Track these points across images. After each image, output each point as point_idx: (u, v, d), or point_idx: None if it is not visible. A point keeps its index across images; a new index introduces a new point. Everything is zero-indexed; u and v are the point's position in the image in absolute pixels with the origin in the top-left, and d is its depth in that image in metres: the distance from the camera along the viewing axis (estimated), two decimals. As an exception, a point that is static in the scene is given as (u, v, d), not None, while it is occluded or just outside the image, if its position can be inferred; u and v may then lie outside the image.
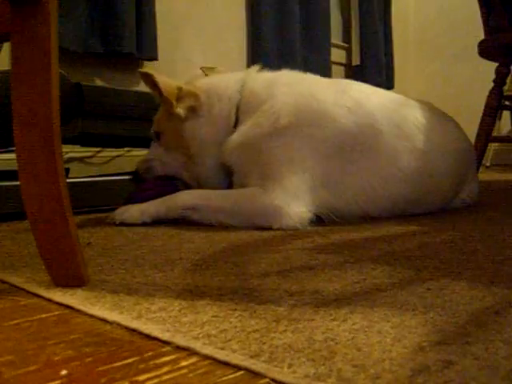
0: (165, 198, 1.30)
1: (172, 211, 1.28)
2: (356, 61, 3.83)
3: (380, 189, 1.33)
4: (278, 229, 1.21)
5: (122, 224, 1.27)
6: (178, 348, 0.51)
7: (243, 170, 1.32)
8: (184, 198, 1.29)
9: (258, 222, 1.23)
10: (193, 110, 1.38)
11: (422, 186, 1.40)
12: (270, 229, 1.21)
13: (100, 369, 0.47)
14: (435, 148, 1.42)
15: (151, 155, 1.47)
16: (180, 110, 1.38)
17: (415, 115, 1.42)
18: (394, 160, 1.34)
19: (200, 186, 1.39)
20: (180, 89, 1.39)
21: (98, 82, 2.45)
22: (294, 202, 1.23)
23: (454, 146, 1.50)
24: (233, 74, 1.49)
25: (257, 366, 0.46)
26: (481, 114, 2.24)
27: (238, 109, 1.37)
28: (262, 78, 1.41)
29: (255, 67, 1.46)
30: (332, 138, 1.29)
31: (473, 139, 2.23)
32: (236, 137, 1.32)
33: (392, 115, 1.37)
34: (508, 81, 2.62)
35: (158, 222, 1.29)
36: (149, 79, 1.39)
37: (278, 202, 1.22)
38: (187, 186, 1.41)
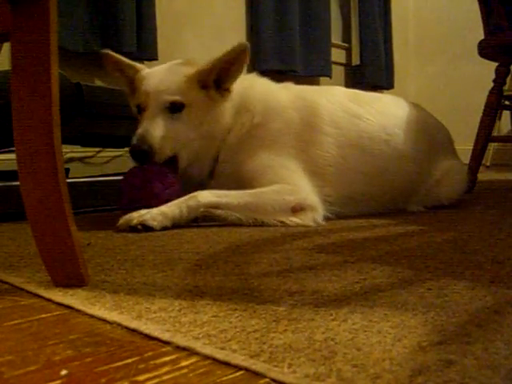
0: (184, 198, 1.25)
1: (195, 211, 1.25)
2: (356, 61, 3.83)
3: (344, 178, 1.42)
4: (305, 225, 1.26)
5: (137, 229, 1.17)
6: (178, 348, 0.51)
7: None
8: (207, 197, 1.26)
9: (283, 218, 1.26)
10: (226, 93, 1.39)
11: (384, 167, 1.48)
12: (287, 226, 1.25)
13: (100, 369, 0.47)
14: (385, 127, 1.51)
15: (163, 131, 1.31)
16: (215, 93, 1.37)
17: (357, 99, 1.55)
18: (344, 149, 1.44)
19: (188, 171, 1.39)
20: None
21: (98, 82, 2.45)
22: (313, 200, 1.32)
23: (411, 125, 1.57)
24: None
25: (257, 365, 0.46)
26: (481, 114, 2.24)
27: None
28: (247, 81, 1.48)
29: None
30: (293, 129, 1.43)
31: (473, 139, 2.23)
32: (233, 134, 1.42)
33: (326, 102, 1.49)
34: (508, 81, 2.62)
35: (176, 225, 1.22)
36: (112, 60, 1.44)
37: (308, 198, 1.30)
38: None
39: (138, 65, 1.47)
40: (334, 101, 1.49)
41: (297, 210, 1.27)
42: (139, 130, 1.31)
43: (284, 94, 1.48)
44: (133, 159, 1.31)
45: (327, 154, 1.41)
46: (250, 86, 1.47)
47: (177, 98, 1.33)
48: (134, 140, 1.29)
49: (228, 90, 1.39)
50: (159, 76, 1.38)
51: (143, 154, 1.28)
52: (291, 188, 1.31)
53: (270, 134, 1.40)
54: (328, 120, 1.44)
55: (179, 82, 1.35)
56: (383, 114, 1.53)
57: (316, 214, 1.29)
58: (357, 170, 1.44)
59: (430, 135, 1.61)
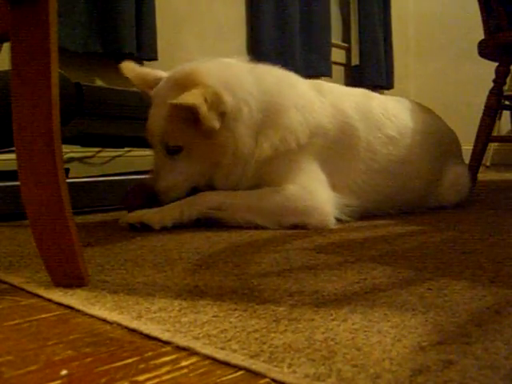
0: (187, 199, 1.24)
1: (196, 212, 1.22)
2: (356, 61, 3.83)
3: (362, 182, 1.39)
4: (310, 227, 1.23)
5: (137, 228, 1.18)
6: (178, 348, 0.51)
7: (270, 177, 1.30)
8: (209, 198, 1.24)
9: (290, 220, 1.24)
10: (221, 116, 1.21)
11: (401, 172, 1.47)
12: (298, 227, 1.22)
13: (100, 369, 0.47)
14: (406, 133, 1.50)
15: (172, 177, 1.26)
16: (215, 123, 1.19)
17: (384, 106, 1.50)
18: (370, 153, 1.42)
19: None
20: (203, 95, 1.17)
21: (98, 82, 2.45)
22: (324, 201, 1.28)
23: (428, 131, 1.57)
24: (233, 63, 1.35)
25: (257, 365, 0.46)
26: (481, 114, 2.24)
27: (261, 111, 1.29)
28: (269, 79, 1.35)
29: (242, 58, 1.38)
30: (326, 144, 1.35)
31: (473, 139, 2.23)
32: (267, 147, 1.28)
33: (361, 109, 1.44)
34: (508, 81, 2.62)
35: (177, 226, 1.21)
36: (132, 70, 1.31)
37: (312, 199, 1.26)
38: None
39: (159, 74, 1.34)
40: (372, 120, 1.44)
41: (304, 213, 1.24)
42: (151, 173, 1.29)
43: (320, 106, 1.36)
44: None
45: (354, 173, 1.39)
46: (278, 92, 1.33)
47: (169, 141, 1.24)
48: (147, 180, 1.29)
49: (223, 113, 1.21)
50: (154, 111, 1.27)
51: (154, 201, 1.26)
52: (300, 191, 1.26)
53: (304, 149, 1.31)
54: (364, 143, 1.40)
55: (165, 124, 1.23)
56: (409, 131, 1.51)
57: (325, 219, 1.25)
58: (379, 191, 1.43)
59: (445, 148, 1.62)
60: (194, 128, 1.20)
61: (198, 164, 1.26)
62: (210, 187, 1.30)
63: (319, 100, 1.38)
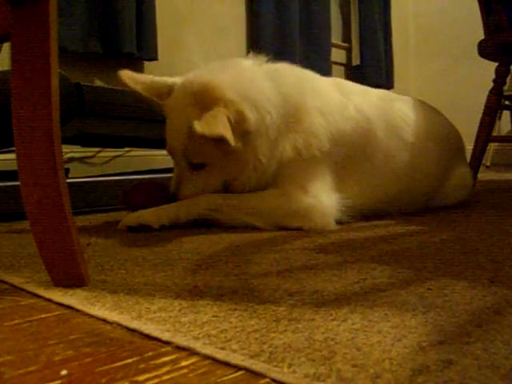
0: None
1: (193, 213, 1.22)
2: (356, 61, 3.83)
3: (373, 186, 1.39)
4: (308, 229, 1.21)
5: (136, 229, 1.18)
6: (178, 348, 0.51)
7: (281, 180, 1.28)
8: (207, 199, 1.23)
9: (289, 222, 1.22)
10: (244, 134, 1.17)
11: (411, 176, 1.48)
12: (298, 229, 1.21)
13: (100, 369, 0.47)
14: (421, 137, 1.50)
15: (194, 189, 1.25)
16: (239, 144, 1.16)
17: (400, 107, 1.50)
18: (386, 159, 1.42)
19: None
20: (228, 118, 1.12)
21: (98, 82, 2.45)
22: (325, 203, 1.25)
23: (437, 132, 1.57)
24: (248, 68, 1.30)
25: (257, 365, 0.46)
26: (481, 114, 2.24)
27: (281, 117, 1.26)
28: (289, 81, 1.32)
29: (259, 57, 1.33)
30: (343, 150, 1.33)
31: (473, 139, 2.23)
32: (289, 149, 1.26)
33: (383, 113, 1.43)
34: (508, 81, 2.62)
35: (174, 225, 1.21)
36: (132, 80, 1.24)
37: (312, 202, 1.24)
38: None
39: (168, 81, 1.27)
40: (393, 125, 1.43)
41: (305, 217, 1.22)
42: (172, 185, 1.27)
43: (343, 110, 1.34)
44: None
45: (366, 177, 1.38)
46: (299, 95, 1.29)
47: (191, 158, 1.23)
48: (171, 189, 1.27)
49: (246, 131, 1.17)
50: (173, 126, 1.24)
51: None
52: (302, 194, 1.24)
53: (325, 156, 1.29)
54: (383, 150, 1.40)
55: (187, 141, 1.20)
56: (424, 137, 1.50)
57: (326, 223, 1.23)
58: (388, 194, 1.42)
59: (453, 152, 1.62)
60: (217, 147, 1.17)
61: (220, 177, 1.26)
62: (226, 190, 1.30)
63: (343, 103, 1.35)
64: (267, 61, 1.34)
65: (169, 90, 1.26)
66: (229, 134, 1.09)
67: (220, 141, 1.11)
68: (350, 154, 1.34)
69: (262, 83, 1.26)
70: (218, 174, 1.26)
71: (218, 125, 1.09)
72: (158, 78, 1.29)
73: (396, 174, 1.44)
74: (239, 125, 1.14)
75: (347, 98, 1.37)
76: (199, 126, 1.07)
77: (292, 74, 1.35)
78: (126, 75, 1.25)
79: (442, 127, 1.62)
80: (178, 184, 1.26)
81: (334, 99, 1.35)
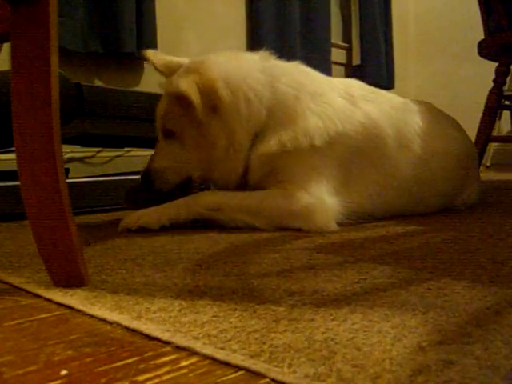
0: (185, 198, 1.23)
1: (194, 212, 1.22)
2: (356, 61, 3.83)
3: (376, 195, 1.35)
4: (308, 230, 1.19)
5: (136, 231, 1.18)
6: (178, 348, 0.51)
7: (277, 176, 1.27)
8: (207, 198, 1.23)
9: (289, 222, 1.21)
10: (215, 109, 1.22)
11: (418, 191, 1.43)
12: (298, 230, 1.19)
13: (100, 369, 0.47)
14: (435, 154, 1.45)
15: (165, 160, 1.28)
16: (208, 118, 1.21)
17: (416, 121, 1.44)
18: (393, 169, 1.38)
19: (216, 185, 1.32)
20: (197, 84, 1.18)
21: (98, 82, 2.45)
22: (325, 205, 1.24)
23: (454, 150, 1.52)
24: (247, 59, 1.33)
25: (257, 365, 0.46)
26: (481, 114, 2.24)
27: (268, 111, 1.26)
28: (285, 81, 1.30)
29: (267, 54, 1.35)
30: (346, 153, 1.31)
31: (473, 139, 2.23)
32: (273, 144, 1.25)
33: (395, 123, 1.39)
34: (508, 81, 2.62)
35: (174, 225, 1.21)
36: (158, 59, 1.33)
37: (313, 202, 1.22)
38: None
39: (181, 61, 1.33)
40: (406, 137, 1.39)
41: (305, 218, 1.21)
42: (149, 160, 1.32)
43: (346, 114, 1.31)
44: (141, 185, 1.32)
45: (371, 186, 1.35)
46: (294, 97, 1.29)
47: (166, 125, 1.27)
48: (144, 168, 1.31)
49: (216, 106, 1.21)
50: (162, 97, 1.31)
51: (147, 183, 1.30)
52: (303, 194, 1.23)
53: (320, 152, 1.27)
54: (392, 161, 1.37)
55: (164, 106, 1.28)
56: (438, 153, 1.46)
57: (327, 225, 1.21)
58: (391, 204, 1.39)
59: (467, 170, 1.58)
60: (188, 115, 1.21)
61: (190, 152, 1.27)
62: (214, 184, 1.31)
63: (348, 109, 1.32)
64: (275, 59, 1.35)
65: (179, 67, 1.31)
66: (194, 97, 1.16)
67: (190, 108, 1.18)
68: (354, 158, 1.31)
69: (254, 74, 1.28)
70: (188, 148, 1.26)
71: (185, 83, 1.17)
72: (174, 58, 1.36)
73: (401, 187, 1.39)
74: (209, 97, 1.19)
75: (354, 103, 1.34)
76: (169, 80, 1.21)
77: (293, 74, 1.34)
78: (151, 52, 1.35)
79: (459, 145, 1.55)
80: (152, 157, 1.30)
81: (337, 104, 1.32)
